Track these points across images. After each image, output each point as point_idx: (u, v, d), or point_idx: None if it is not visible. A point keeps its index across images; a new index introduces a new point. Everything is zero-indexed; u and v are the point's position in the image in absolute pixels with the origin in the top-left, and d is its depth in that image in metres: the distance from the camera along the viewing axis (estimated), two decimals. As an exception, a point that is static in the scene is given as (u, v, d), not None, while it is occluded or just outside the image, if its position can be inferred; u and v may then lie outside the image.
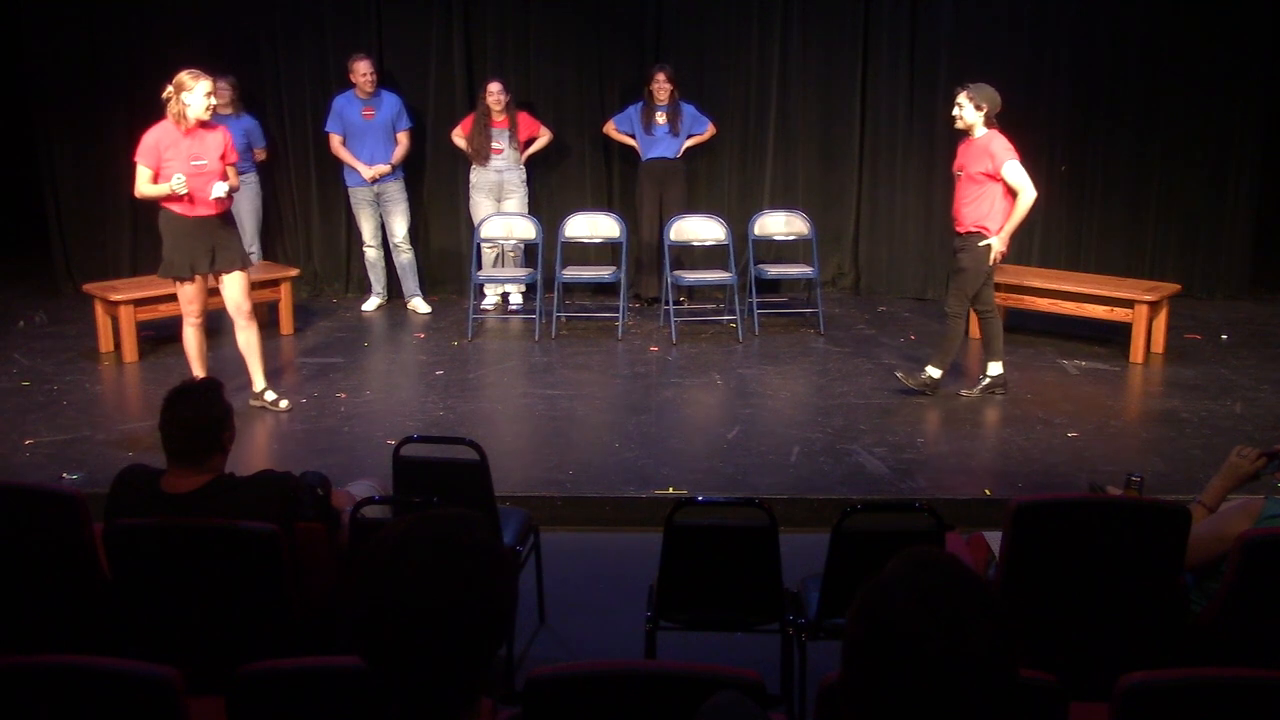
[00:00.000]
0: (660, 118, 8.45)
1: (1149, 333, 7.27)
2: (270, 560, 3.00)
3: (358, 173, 8.36)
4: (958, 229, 6.30)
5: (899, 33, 8.87)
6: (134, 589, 3.09)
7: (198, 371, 6.09)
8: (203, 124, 5.80)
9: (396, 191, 8.51)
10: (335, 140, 8.38)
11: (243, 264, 6.11)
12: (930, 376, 6.50)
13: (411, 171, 8.70)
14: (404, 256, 8.63)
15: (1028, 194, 6.09)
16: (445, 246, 9.16)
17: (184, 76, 5.74)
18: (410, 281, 8.71)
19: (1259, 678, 2.23)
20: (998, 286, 7.76)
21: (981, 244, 6.16)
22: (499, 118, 8.32)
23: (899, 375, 6.59)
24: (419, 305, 8.69)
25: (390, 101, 8.39)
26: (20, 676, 2.20)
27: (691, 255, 8.60)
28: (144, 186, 5.82)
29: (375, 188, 8.42)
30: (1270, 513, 3.16)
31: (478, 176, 8.48)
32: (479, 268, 8.33)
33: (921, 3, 8.84)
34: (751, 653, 3.50)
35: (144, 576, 3.08)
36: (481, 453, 3.82)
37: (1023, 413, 6.29)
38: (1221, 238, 8.98)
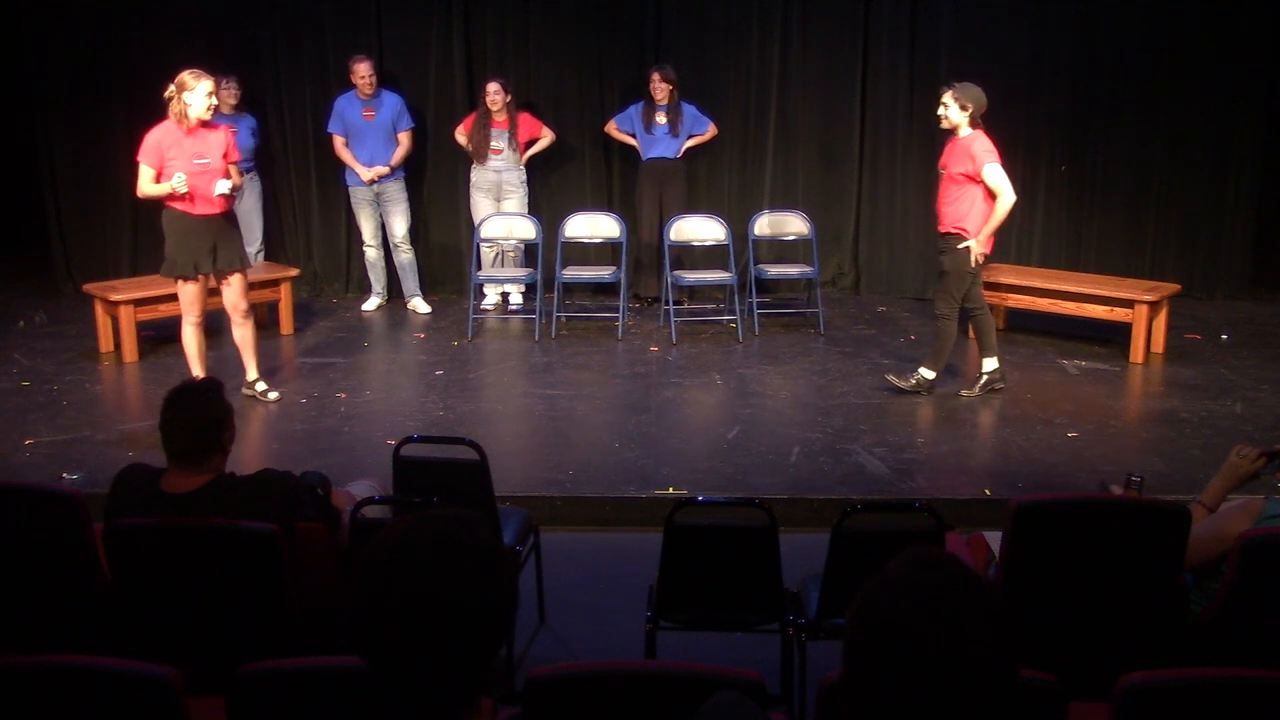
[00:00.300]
0: (660, 118, 8.45)
1: (1149, 333, 7.27)
2: (270, 560, 3.00)
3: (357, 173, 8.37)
4: (939, 228, 6.32)
5: (899, 33, 8.87)
6: (134, 589, 3.09)
7: (197, 371, 6.11)
8: (204, 123, 5.82)
9: (396, 191, 8.51)
10: (338, 141, 8.38)
11: (243, 264, 6.15)
12: (924, 377, 6.50)
13: (411, 171, 8.70)
14: (404, 256, 8.63)
15: (1006, 197, 6.07)
16: (445, 246, 9.16)
17: (186, 76, 5.76)
18: (410, 281, 8.71)
19: (1259, 678, 2.23)
20: (997, 287, 7.82)
21: (960, 246, 6.16)
22: (499, 118, 8.32)
23: (890, 377, 6.59)
24: (419, 305, 8.69)
25: (391, 102, 8.40)
26: (20, 676, 2.20)
27: (691, 255, 8.60)
28: (146, 186, 5.85)
29: (375, 187, 8.42)
30: (1270, 513, 3.16)
31: (478, 176, 8.48)
32: (479, 268, 8.33)
33: (921, 3, 8.83)
34: (751, 653, 3.50)
35: (144, 576, 3.08)
36: (481, 453, 3.83)
37: (1023, 413, 6.29)
38: (1221, 238, 8.98)
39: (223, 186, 5.83)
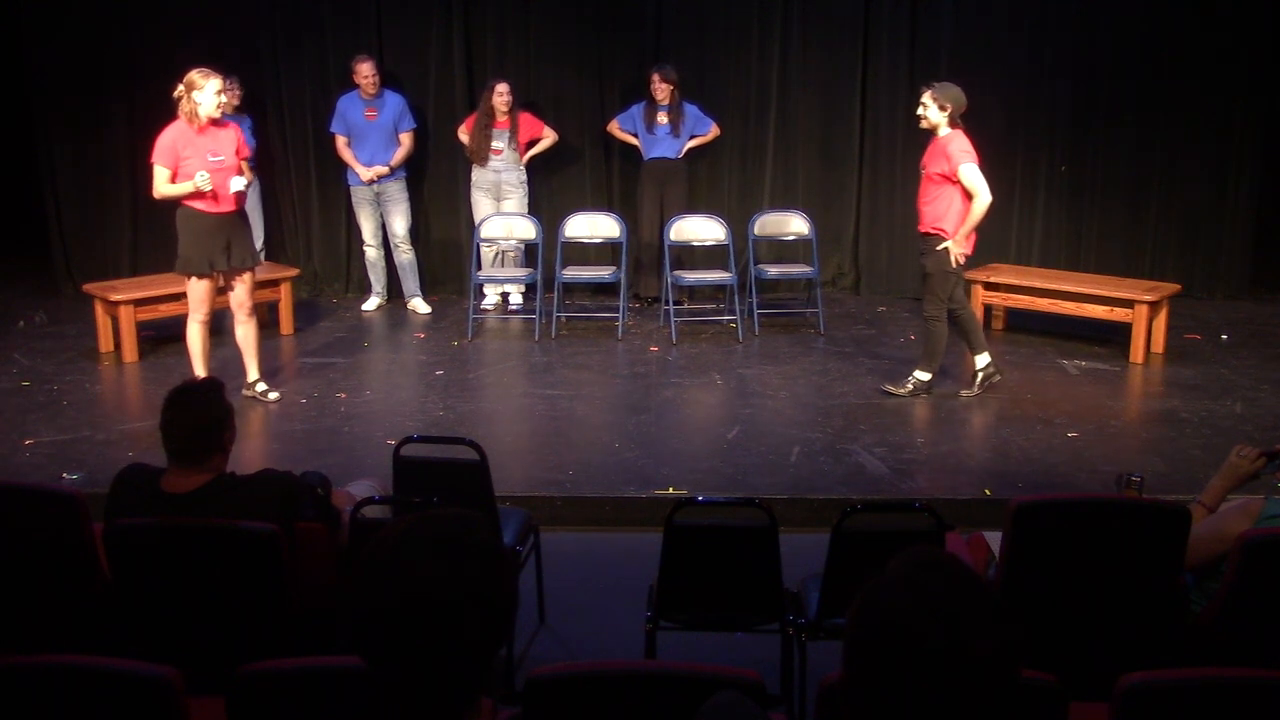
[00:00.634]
0: (662, 118, 8.45)
1: (1149, 333, 7.27)
2: (270, 560, 3.00)
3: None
4: (919, 228, 6.33)
5: (899, 33, 8.87)
6: (134, 589, 3.09)
7: (199, 370, 6.12)
8: (215, 121, 5.85)
9: (397, 191, 8.51)
10: (341, 141, 8.39)
11: (254, 261, 6.24)
12: (920, 380, 6.50)
13: (412, 171, 8.70)
14: (404, 256, 8.63)
15: (982, 198, 6.06)
16: (445, 246, 9.16)
17: (194, 75, 5.80)
18: (410, 281, 8.71)
19: (1259, 678, 2.23)
20: (997, 287, 7.82)
21: (939, 248, 6.17)
22: (502, 118, 8.32)
23: (887, 388, 6.58)
24: (419, 305, 8.69)
25: (393, 102, 8.40)
26: (20, 676, 2.20)
27: (692, 255, 8.60)
28: (163, 187, 5.88)
29: (376, 187, 8.42)
30: (1270, 513, 3.16)
31: (478, 176, 8.48)
32: (479, 268, 8.33)
33: (921, 3, 8.83)
34: (751, 653, 3.50)
35: (144, 576, 3.08)
36: (481, 453, 3.83)
37: (1023, 413, 6.29)
38: (1221, 238, 8.98)
39: (238, 183, 5.89)
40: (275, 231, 9.16)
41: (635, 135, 8.60)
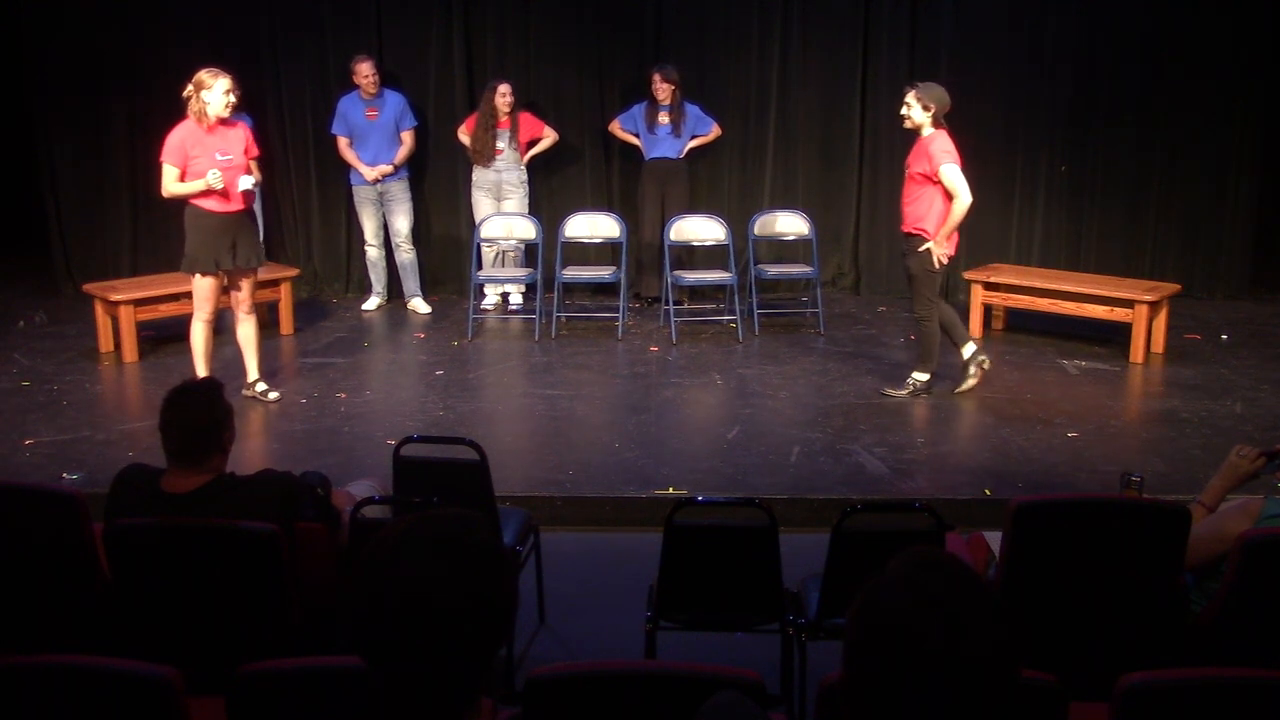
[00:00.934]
0: (663, 118, 8.45)
1: (1149, 333, 7.27)
2: (270, 560, 3.00)
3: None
4: (902, 227, 6.34)
5: (899, 33, 8.87)
6: (134, 589, 3.09)
7: (201, 369, 6.13)
8: (223, 120, 5.87)
9: (400, 191, 8.51)
10: (342, 142, 8.39)
11: (259, 261, 6.25)
12: (918, 380, 6.50)
13: (412, 171, 8.70)
14: (405, 256, 8.63)
15: (962, 199, 6.05)
16: (446, 246, 9.16)
17: (203, 75, 5.84)
18: (411, 281, 8.71)
19: (1259, 678, 2.23)
20: (997, 287, 7.82)
21: (921, 249, 6.17)
22: (504, 118, 8.32)
23: (887, 391, 6.58)
24: (419, 305, 8.69)
25: (394, 101, 8.40)
26: (20, 676, 2.20)
27: (691, 255, 8.61)
28: (173, 185, 5.90)
29: (379, 187, 8.43)
30: (1270, 513, 3.16)
31: (479, 176, 8.48)
32: (479, 268, 8.33)
33: (921, 3, 8.83)
34: (751, 653, 3.50)
35: (144, 576, 3.08)
36: (481, 453, 3.83)
37: (1023, 413, 6.29)
38: (1221, 238, 8.98)
39: (246, 182, 5.92)
40: (275, 231, 9.16)
41: (636, 135, 8.60)
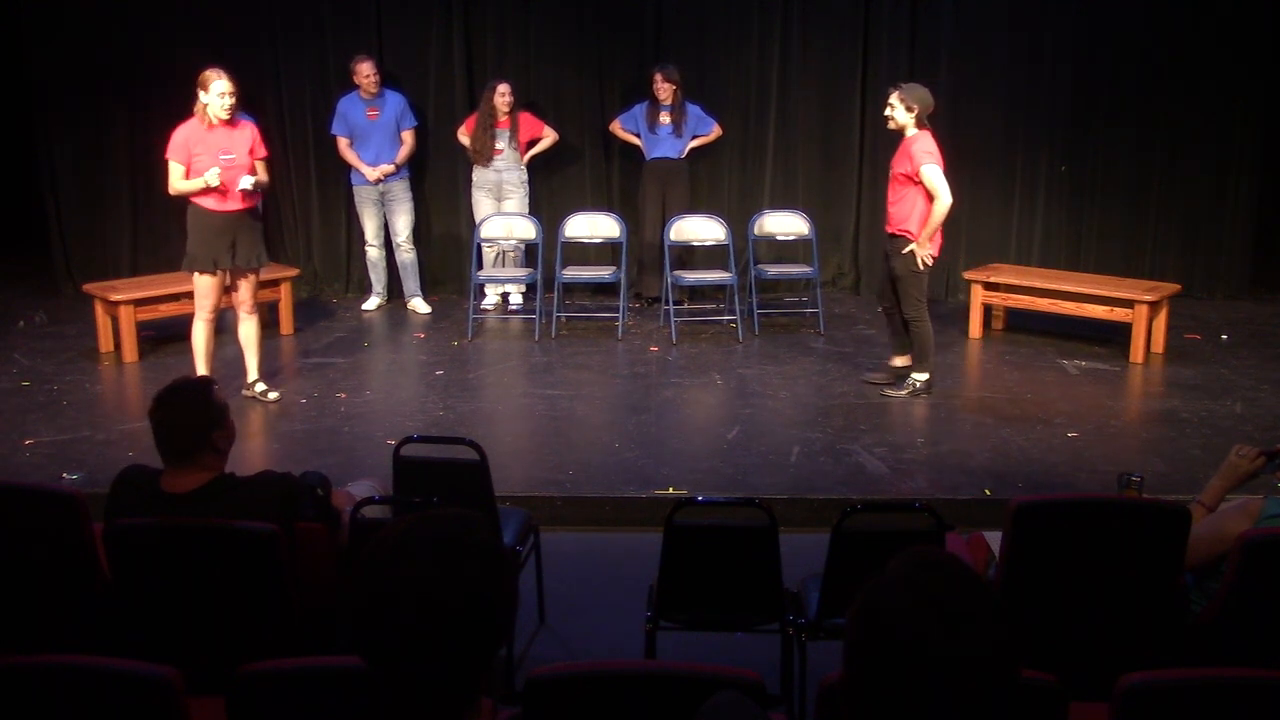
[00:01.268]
0: (664, 118, 8.45)
1: (1149, 333, 7.27)
2: (270, 560, 3.00)
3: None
4: (886, 228, 6.36)
5: (899, 33, 8.87)
6: (134, 589, 3.09)
7: (202, 368, 6.13)
8: (229, 120, 5.86)
9: (401, 190, 8.51)
10: (343, 143, 8.39)
11: (260, 261, 6.23)
12: (918, 380, 6.51)
13: (412, 171, 8.70)
14: (406, 256, 8.63)
15: (943, 200, 6.06)
16: (446, 246, 9.16)
17: (206, 74, 5.92)
18: (411, 281, 8.71)
19: (1259, 678, 2.23)
20: (997, 287, 7.82)
21: (905, 251, 6.18)
22: (504, 118, 8.32)
23: (887, 393, 6.58)
24: (419, 305, 8.69)
25: (394, 101, 8.40)
26: (20, 676, 2.20)
27: (691, 255, 8.60)
28: (177, 183, 5.94)
29: (380, 187, 8.43)
30: (1270, 513, 3.15)
31: (479, 176, 8.49)
32: (479, 267, 8.33)
33: (921, 3, 8.83)
34: (751, 653, 3.50)
35: (144, 576, 3.08)
36: (481, 453, 3.82)
37: (1023, 413, 6.29)
38: (1221, 238, 8.98)
39: (245, 182, 5.91)
40: (275, 231, 9.16)
41: (637, 135, 8.60)
